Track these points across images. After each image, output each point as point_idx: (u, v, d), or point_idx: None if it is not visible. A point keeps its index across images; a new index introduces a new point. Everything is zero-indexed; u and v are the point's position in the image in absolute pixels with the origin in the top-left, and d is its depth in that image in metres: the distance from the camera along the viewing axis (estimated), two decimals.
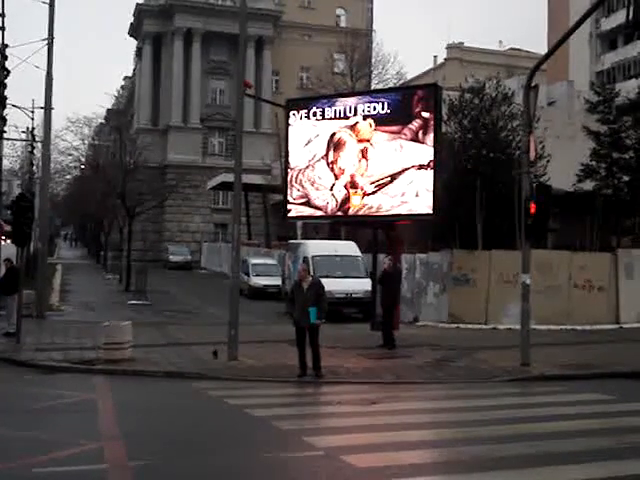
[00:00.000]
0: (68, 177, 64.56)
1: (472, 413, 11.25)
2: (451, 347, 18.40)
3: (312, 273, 25.82)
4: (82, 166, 56.01)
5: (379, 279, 19.60)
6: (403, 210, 18.81)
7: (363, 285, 24.60)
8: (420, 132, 18.46)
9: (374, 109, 19.15)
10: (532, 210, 15.32)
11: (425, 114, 18.46)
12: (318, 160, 19.88)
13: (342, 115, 19.66)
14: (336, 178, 19.62)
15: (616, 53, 60.38)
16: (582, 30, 45.91)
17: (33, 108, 38.61)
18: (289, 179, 20.56)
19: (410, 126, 18.62)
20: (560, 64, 58.30)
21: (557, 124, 32.01)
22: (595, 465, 8.28)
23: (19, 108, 35.82)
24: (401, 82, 46.45)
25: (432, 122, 18.37)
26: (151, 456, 8.64)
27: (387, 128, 18.95)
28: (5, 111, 26.72)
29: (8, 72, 26.10)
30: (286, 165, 21.25)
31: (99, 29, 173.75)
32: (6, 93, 26.19)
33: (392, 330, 18.73)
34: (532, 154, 16.26)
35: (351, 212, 19.55)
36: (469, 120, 28.48)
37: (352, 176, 19.36)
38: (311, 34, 68.70)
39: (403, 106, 18.93)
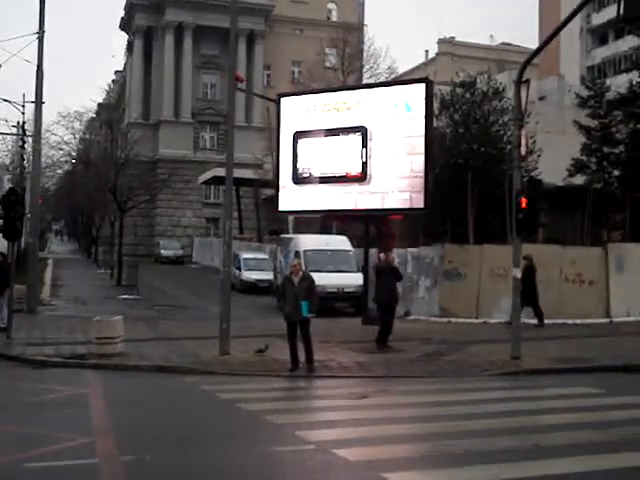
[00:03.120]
0: (59, 171, 64.47)
1: (463, 407, 11.29)
2: (442, 341, 18.43)
3: (304, 267, 25.93)
4: (73, 160, 55.89)
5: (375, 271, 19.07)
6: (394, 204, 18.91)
7: (355, 279, 24.61)
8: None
9: None
10: (523, 204, 15.36)
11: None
12: None
13: None
14: None
15: (607, 48, 60.51)
16: (573, 25, 45.94)
17: (24, 102, 38.52)
18: None
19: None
20: (551, 59, 58.41)
21: (548, 119, 32.06)
22: (586, 458, 8.31)
23: (9, 102, 35.80)
24: (393, 76, 46.39)
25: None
26: (142, 450, 8.63)
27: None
28: None
29: None
30: (277, 158, 21.38)
31: (90, 23, 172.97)
32: None
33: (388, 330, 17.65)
34: (523, 149, 16.29)
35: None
36: (460, 115, 28.54)
37: None
38: (302, 28, 68.56)
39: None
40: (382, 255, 18.71)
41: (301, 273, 14.86)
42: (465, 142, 27.85)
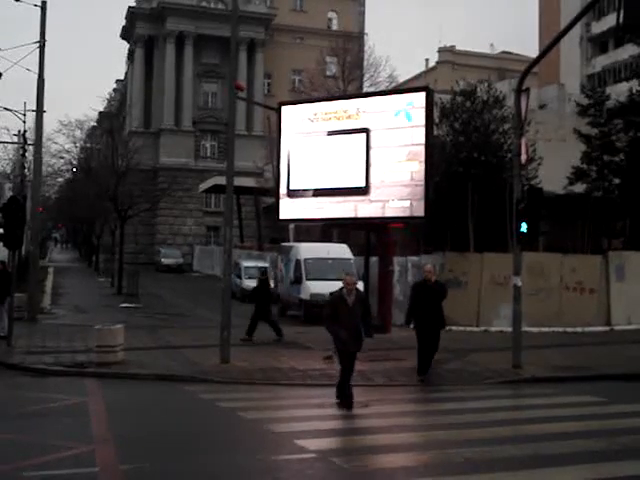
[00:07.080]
0: (60, 180, 64.37)
1: (464, 415, 11.27)
2: (443, 349, 18.29)
3: (304, 275, 25.91)
4: (74, 169, 55.85)
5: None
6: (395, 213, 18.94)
7: None
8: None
9: None
10: (523, 213, 15.37)
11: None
12: None
13: None
14: None
15: (607, 56, 60.54)
16: (573, 33, 46.11)
17: (25, 111, 38.42)
18: None
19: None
20: (551, 67, 58.51)
21: (548, 127, 32.14)
22: (587, 467, 8.31)
23: (11, 111, 35.78)
24: (393, 85, 46.40)
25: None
26: (142, 459, 8.62)
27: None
28: None
29: (0, 75, 26.05)
30: (277, 165, 21.45)
31: (91, 31, 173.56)
32: None
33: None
34: (523, 157, 16.30)
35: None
36: (461, 123, 28.56)
37: None
38: (303, 37, 68.75)
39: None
40: (427, 269, 15.20)
41: (355, 291, 12.30)
42: (465, 150, 27.87)
